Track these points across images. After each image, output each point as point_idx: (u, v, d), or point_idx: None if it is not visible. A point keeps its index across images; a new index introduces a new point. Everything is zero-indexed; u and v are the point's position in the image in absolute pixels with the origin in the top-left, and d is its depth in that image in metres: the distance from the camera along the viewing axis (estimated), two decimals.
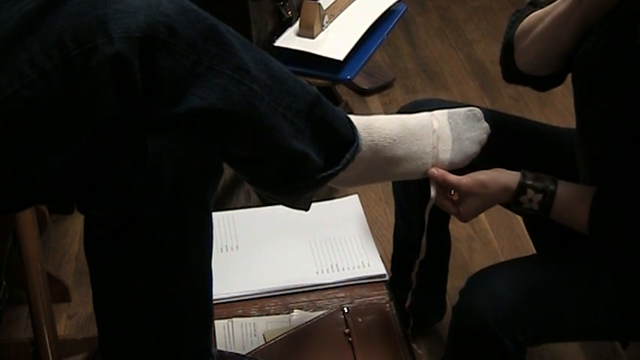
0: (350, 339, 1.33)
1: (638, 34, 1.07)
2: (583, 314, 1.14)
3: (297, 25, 1.83)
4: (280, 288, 1.44)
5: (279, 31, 1.84)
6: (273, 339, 1.34)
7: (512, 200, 1.14)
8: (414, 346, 1.35)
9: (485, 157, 1.22)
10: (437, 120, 1.18)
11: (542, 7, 1.22)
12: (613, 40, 1.10)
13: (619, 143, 1.10)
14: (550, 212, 1.13)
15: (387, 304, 1.41)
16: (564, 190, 1.12)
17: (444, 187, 1.18)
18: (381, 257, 1.52)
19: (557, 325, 1.14)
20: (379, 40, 1.90)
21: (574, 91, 1.19)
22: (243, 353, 1.31)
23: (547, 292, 1.14)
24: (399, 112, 1.32)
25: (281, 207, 1.15)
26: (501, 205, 1.21)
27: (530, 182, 1.13)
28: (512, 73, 1.27)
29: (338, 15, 1.90)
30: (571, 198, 1.12)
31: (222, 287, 1.39)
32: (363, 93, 2.67)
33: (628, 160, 1.10)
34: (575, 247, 1.20)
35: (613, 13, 1.11)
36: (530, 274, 1.17)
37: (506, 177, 1.15)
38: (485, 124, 1.21)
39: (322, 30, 1.83)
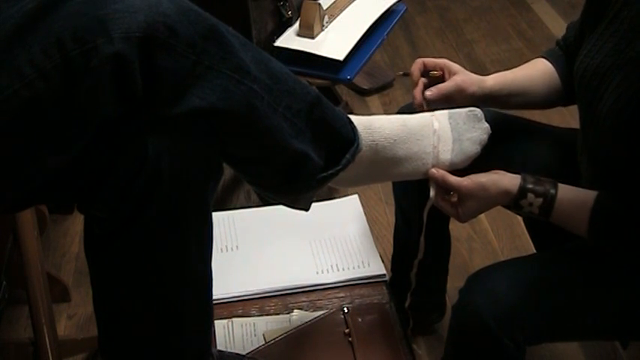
0: (350, 339, 1.33)
1: None
2: (582, 314, 1.14)
3: (297, 25, 1.83)
4: (280, 288, 1.44)
5: (279, 31, 1.84)
6: (273, 339, 1.34)
7: (513, 204, 1.14)
8: (414, 346, 1.35)
9: (486, 158, 1.22)
10: (437, 120, 1.18)
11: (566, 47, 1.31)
12: (617, 44, 1.10)
13: (623, 146, 1.10)
14: (550, 216, 1.13)
15: (387, 304, 1.41)
16: (565, 194, 1.12)
17: (443, 188, 1.18)
18: (381, 257, 1.52)
19: (556, 325, 1.14)
20: (379, 40, 1.90)
21: (577, 93, 1.19)
22: (243, 353, 1.31)
23: (546, 292, 1.14)
24: (398, 112, 1.32)
25: (281, 207, 1.15)
26: (501, 206, 1.21)
27: (530, 186, 1.13)
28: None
29: (338, 15, 1.90)
30: (571, 202, 1.12)
31: (222, 287, 1.39)
32: (363, 93, 2.67)
33: (631, 163, 1.10)
34: (575, 247, 1.20)
35: (616, 17, 1.11)
36: (529, 273, 1.17)
37: (506, 180, 1.14)
38: (486, 125, 1.21)
39: (322, 30, 1.83)
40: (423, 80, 1.28)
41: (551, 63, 1.32)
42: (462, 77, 1.26)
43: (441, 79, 1.28)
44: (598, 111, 1.11)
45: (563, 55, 1.32)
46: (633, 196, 1.08)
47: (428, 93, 1.25)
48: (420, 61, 1.29)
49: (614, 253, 1.15)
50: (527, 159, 1.33)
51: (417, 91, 1.27)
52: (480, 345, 1.13)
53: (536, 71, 1.33)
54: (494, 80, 1.29)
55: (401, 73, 1.23)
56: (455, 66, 1.28)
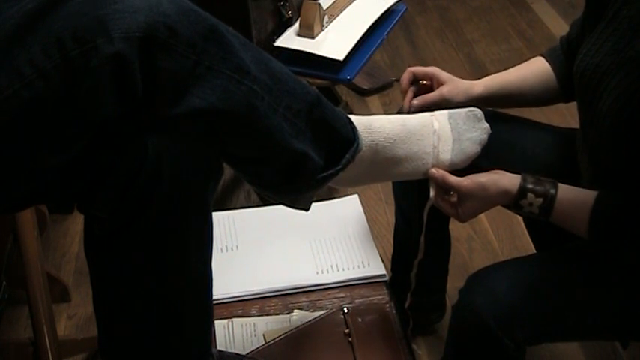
0: (350, 339, 1.33)
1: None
2: (582, 314, 1.14)
3: (297, 25, 1.83)
4: (280, 288, 1.44)
5: (279, 31, 1.84)
6: (273, 339, 1.34)
7: (513, 204, 1.14)
8: (414, 346, 1.35)
9: (486, 158, 1.22)
10: (437, 120, 1.18)
11: (568, 45, 1.31)
12: (617, 43, 1.10)
13: (623, 145, 1.10)
14: (550, 216, 1.13)
15: (387, 304, 1.41)
16: (565, 194, 1.12)
17: (443, 188, 1.18)
18: (381, 257, 1.52)
19: (556, 325, 1.14)
20: (379, 40, 1.90)
21: (577, 92, 1.19)
22: (243, 353, 1.31)
23: (546, 292, 1.14)
24: (398, 112, 1.32)
25: (281, 207, 1.15)
26: (501, 206, 1.21)
27: (530, 186, 1.13)
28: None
29: (338, 15, 1.90)
30: (571, 202, 1.12)
31: (222, 287, 1.39)
32: (363, 93, 2.67)
33: (631, 163, 1.10)
34: (575, 247, 1.20)
35: (616, 16, 1.11)
36: (529, 273, 1.17)
37: (506, 180, 1.14)
38: (486, 125, 1.22)
39: (322, 30, 1.83)
40: (412, 89, 1.32)
41: (548, 62, 1.33)
42: (449, 87, 1.29)
43: (430, 88, 1.30)
44: (597, 110, 1.11)
45: (563, 53, 1.32)
46: (633, 196, 1.08)
47: (414, 102, 1.30)
48: (410, 70, 1.33)
49: (614, 254, 1.14)
50: (527, 159, 1.33)
51: (406, 101, 1.31)
52: (480, 345, 1.13)
53: (531, 72, 1.34)
54: (484, 86, 1.32)
55: (394, 78, 1.26)
56: (443, 75, 1.31)
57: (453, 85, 1.30)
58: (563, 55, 1.32)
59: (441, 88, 1.29)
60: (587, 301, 1.13)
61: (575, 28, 1.31)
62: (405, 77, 1.32)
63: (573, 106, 1.26)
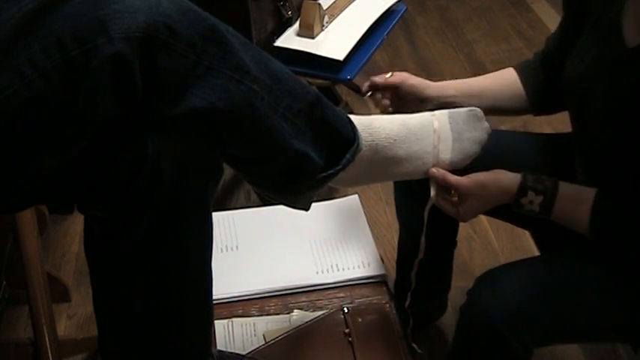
0: (350, 339, 1.33)
1: (624, 39, 1.07)
2: (591, 316, 1.13)
3: (297, 25, 1.83)
4: (280, 288, 1.45)
5: (279, 31, 1.84)
6: (273, 339, 1.34)
7: (513, 202, 1.14)
8: (414, 346, 1.35)
9: (485, 158, 1.22)
10: (437, 120, 1.18)
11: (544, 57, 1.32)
12: (601, 49, 1.10)
13: (616, 149, 1.10)
14: (551, 214, 1.13)
15: (387, 304, 1.41)
16: (565, 191, 1.12)
17: (444, 187, 1.18)
18: (381, 257, 1.52)
19: (564, 327, 1.14)
20: (379, 40, 1.90)
21: (566, 102, 1.20)
22: (243, 353, 1.31)
23: (555, 293, 1.13)
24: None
25: (281, 207, 1.15)
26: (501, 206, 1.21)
27: (530, 184, 1.12)
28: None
29: (338, 15, 1.90)
30: (572, 199, 1.12)
31: (222, 287, 1.40)
32: None
33: (626, 165, 1.10)
34: (585, 249, 1.19)
35: (598, 22, 1.11)
36: (538, 275, 1.16)
37: (506, 178, 1.14)
38: (486, 124, 1.22)
39: (322, 30, 1.83)
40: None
41: (518, 74, 1.33)
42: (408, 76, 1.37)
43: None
44: (587, 118, 1.11)
45: (542, 66, 1.32)
46: (632, 193, 1.08)
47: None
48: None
49: (615, 251, 1.14)
50: (526, 160, 1.32)
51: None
52: (488, 346, 1.12)
53: (495, 81, 1.35)
54: (439, 83, 1.35)
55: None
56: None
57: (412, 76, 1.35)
58: (541, 68, 1.31)
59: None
60: (596, 303, 1.13)
61: (551, 42, 1.31)
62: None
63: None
